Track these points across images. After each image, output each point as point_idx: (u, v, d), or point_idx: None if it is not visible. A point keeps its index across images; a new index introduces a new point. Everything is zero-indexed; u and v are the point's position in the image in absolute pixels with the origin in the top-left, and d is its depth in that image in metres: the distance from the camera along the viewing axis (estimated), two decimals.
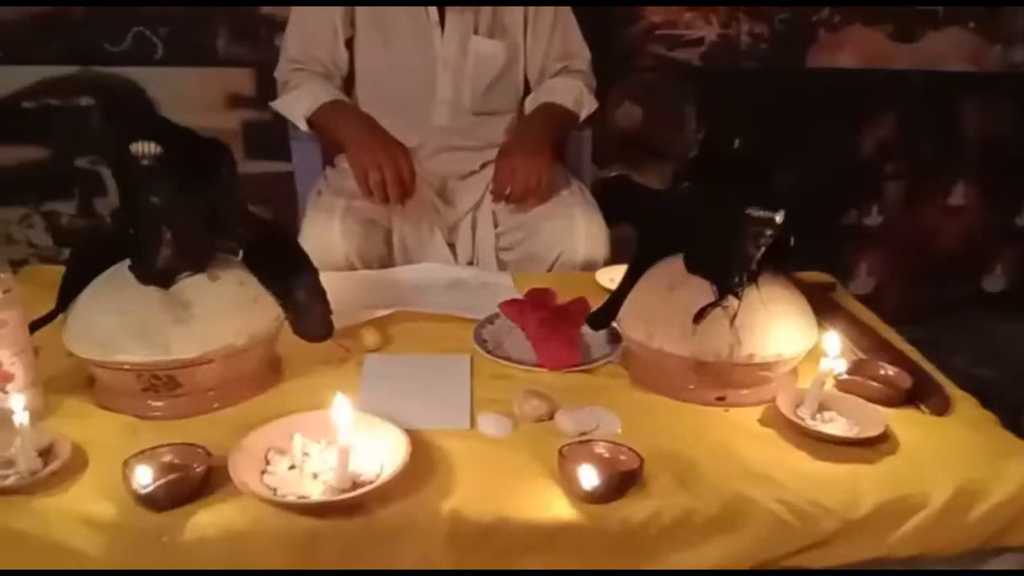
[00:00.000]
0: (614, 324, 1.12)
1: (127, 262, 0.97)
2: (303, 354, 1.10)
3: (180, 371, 0.95)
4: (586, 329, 1.15)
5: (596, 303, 1.15)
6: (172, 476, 0.80)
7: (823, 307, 1.28)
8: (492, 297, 1.28)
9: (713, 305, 1.00)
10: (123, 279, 0.96)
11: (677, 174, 1.06)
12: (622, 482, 0.84)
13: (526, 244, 1.61)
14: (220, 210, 0.99)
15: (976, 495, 0.87)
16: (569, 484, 0.84)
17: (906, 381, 1.04)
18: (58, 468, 0.84)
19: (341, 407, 0.84)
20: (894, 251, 2.50)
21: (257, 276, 1.02)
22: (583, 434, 0.95)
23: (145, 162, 0.87)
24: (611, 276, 1.38)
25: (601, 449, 0.89)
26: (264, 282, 1.02)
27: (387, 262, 1.58)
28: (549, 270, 1.56)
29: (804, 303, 1.06)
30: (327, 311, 1.06)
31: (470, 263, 1.64)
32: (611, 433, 0.96)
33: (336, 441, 0.84)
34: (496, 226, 1.65)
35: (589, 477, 0.82)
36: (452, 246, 1.65)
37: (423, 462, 0.88)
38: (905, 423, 0.98)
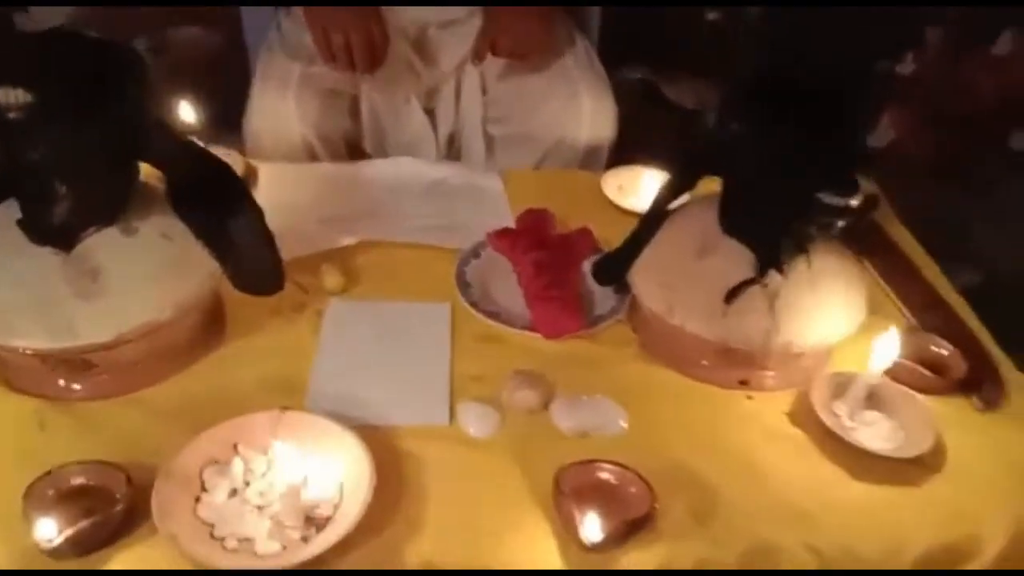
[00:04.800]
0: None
1: (15, 211, 0.76)
2: (250, 300, 0.91)
3: (93, 354, 0.77)
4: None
5: (600, 218, 0.97)
6: (82, 524, 0.65)
7: (864, 239, 1.11)
8: (478, 208, 1.09)
9: (751, 282, 0.82)
10: (13, 238, 0.75)
11: (723, 111, 0.83)
12: (630, 530, 0.70)
13: (520, 121, 1.36)
14: (128, 141, 0.76)
15: None
16: (566, 525, 0.71)
17: (960, 368, 0.89)
18: None
19: (284, 452, 0.69)
20: (922, 103, 2.25)
21: (185, 218, 0.82)
22: (583, 434, 0.81)
23: (12, 115, 0.63)
24: (619, 183, 1.18)
25: (606, 474, 0.74)
26: (194, 225, 0.82)
27: (353, 137, 1.34)
28: (545, 156, 1.34)
29: (856, 272, 0.89)
30: (276, 259, 0.87)
31: (452, 137, 1.41)
32: (615, 430, 0.82)
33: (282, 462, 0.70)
34: (484, 93, 1.40)
35: (592, 529, 0.68)
36: (431, 113, 1.40)
37: (391, 480, 0.74)
38: (955, 423, 0.84)
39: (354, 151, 1.37)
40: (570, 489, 0.71)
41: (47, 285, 0.74)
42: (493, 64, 1.35)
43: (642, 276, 0.89)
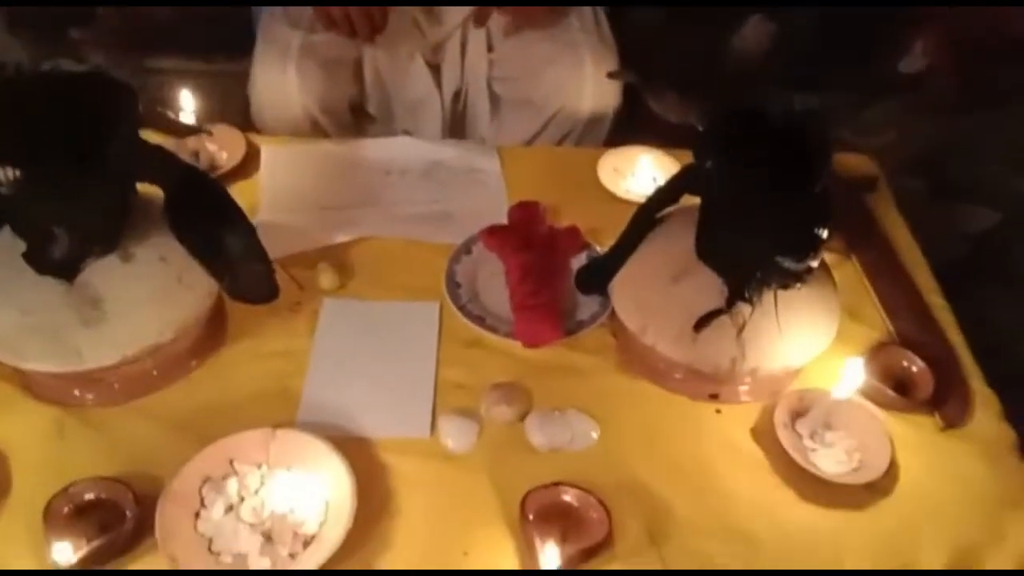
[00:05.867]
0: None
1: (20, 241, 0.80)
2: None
3: (102, 371, 0.83)
4: None
5: (593, 204, 1.04)
6: (95, 544, 0.73)
7: (854, 227, 1.12)
8: (475, 193, 1.11)
9: (719, 312, 0.85)
10: (20, 265, 0.80)
11: (700, 142, 0.84)
12: (586, 557, 0.77)
13: (525, 83, 1.35)
14: (123, 175, 0.80)
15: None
16: (529, 549, 0.78)
17: (928, 387, 0.92)
18: None
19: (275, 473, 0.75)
20: (955, 30, 2.15)
21: (181, 239, 0.86)
22: (554, 449, 0.87)
23: (4, 190, 0.67)
24: (615, 164, 1.18)
25: (569, 497, 0.81)
26: (190, 244, 0.86)
27: (357, 100, 1.35)
28: (547, 124, 1.34)
29: (828, 291, 0.91)
30: (269, 273, 0.91)
31: (457, 94, 1.40)
32: (587, 443, 0.88)
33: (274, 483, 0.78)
34: (490, 50, 1.38)
35: (551, 557, 0.75)
36: (436, 70, 1.39)
37: (372, 494, 0.80)
38: (913, 443, 0.89)
39: (359, 114, 1.38)
40: (534, 514, 0.78)
41: (53, 312, 0.80)
42: (498, 21, 1.33)
43: (620, 293, 0.93)
